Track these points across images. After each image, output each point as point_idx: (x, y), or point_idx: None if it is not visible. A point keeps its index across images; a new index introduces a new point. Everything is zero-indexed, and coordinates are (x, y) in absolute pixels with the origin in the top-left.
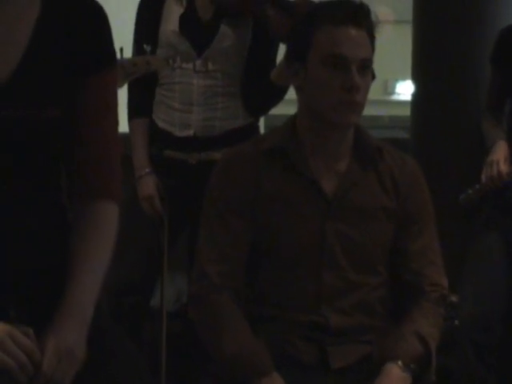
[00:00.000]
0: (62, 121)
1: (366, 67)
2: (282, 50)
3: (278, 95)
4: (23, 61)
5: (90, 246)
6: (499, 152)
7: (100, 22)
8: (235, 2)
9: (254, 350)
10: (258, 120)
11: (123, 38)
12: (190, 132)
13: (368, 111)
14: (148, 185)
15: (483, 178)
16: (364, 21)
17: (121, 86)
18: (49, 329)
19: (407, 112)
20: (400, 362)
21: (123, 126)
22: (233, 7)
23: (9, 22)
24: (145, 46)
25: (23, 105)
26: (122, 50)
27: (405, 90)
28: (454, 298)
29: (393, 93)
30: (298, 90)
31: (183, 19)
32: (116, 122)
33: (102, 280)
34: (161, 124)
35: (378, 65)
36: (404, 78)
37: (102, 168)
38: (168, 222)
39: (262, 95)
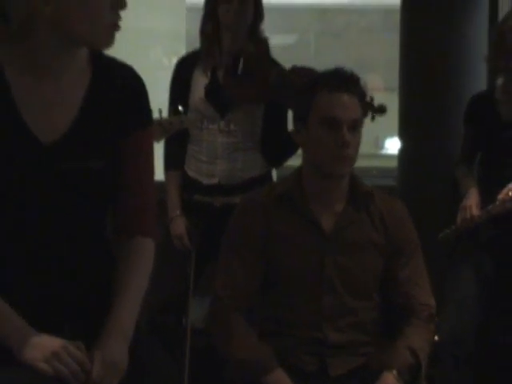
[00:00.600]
0: (107, 171)
1: (356, 126)
2: None
3: (293, 149)
4: (75, 122)
5: (130, 275)
6: (471, 198)
7: (139, 89)
8: (249, 94)
9: (259, 352)
10: (271, 170)
11: (161, 100)
12: (215, 180)
13: (362, 163)
14: (179, 225)
15: (458, 220)
16: (354, 88)
17: (158, 140)
18: (97, 343)
19: (395, 164)
20: (395, 372)
21: (159, 174)
22: (245, 99)
23: (64, 89)
24: (180, 107)
25: (75, 158)
26: (160, 110)
27: (392, 145)
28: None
29: (382, 147)
30: (302, 145)
31: (208, 88)
32: (152, 172)
33: (140, 303)
34: (191, 174)
35: (370, 124)
36: (392, 135)
37: (140, 210)
38: (195, 254)
39: (279, 149)
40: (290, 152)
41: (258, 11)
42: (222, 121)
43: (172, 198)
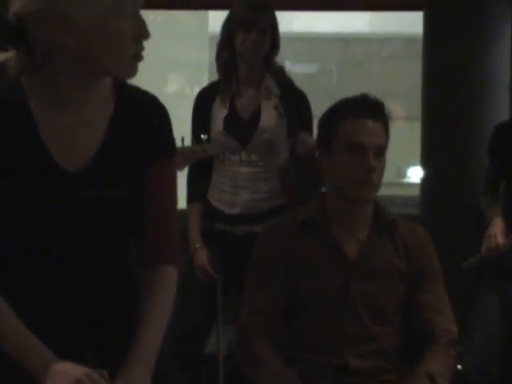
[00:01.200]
0: (130, 200)
1: (380, 152)
2: None
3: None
4: (99, 151)
5: (154, 304)
6: (496, 227)
7: (162, 118)
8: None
9: (285, 378)
10: None
11: (184, 128)
12: (237, 210)
13: (385, 191)
14: (201, 257)
15: (483, 248)
16: (379, 114)
17: (181, 169)
18: (120, 371)
19: (417, 192)
20: None
21: (182, 203)
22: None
23: (88, 118)
24: (202, 135)
25: (99, 187)
26: (183, 139)
27: (415, 174)
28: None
29: (405, 176)
30: (326, 171)
31: (227, 120)
32: (176, 201)
33: (163, 331)
34: (214, 203)
35: (392, 153)
36: (414, 164)
37: (164, 239)
38: (221, 283)
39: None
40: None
41: (275, 41)
42: (243, 151)
43: (193, 230)
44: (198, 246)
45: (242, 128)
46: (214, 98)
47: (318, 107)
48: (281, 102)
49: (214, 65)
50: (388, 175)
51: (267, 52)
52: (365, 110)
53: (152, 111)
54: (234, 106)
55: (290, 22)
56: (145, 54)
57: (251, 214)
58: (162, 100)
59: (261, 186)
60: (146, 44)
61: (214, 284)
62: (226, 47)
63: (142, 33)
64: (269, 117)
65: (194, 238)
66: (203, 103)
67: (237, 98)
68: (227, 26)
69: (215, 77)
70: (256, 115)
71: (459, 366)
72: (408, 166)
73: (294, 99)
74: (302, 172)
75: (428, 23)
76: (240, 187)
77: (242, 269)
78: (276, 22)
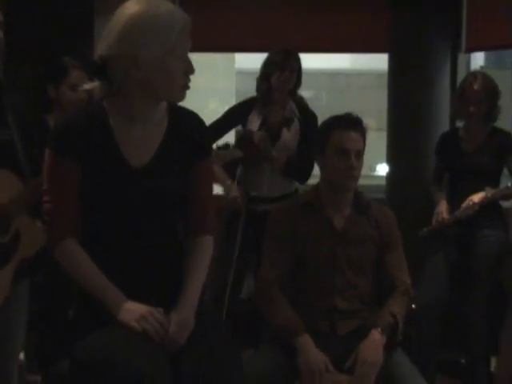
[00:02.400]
0: (178, 188)
1: (360, 155)
2: None
3: (310, 171)
4: (157, 153)
5: (196, 263)
6: (442, 206)
7: (201, 129)
8: None
9: (293, 320)
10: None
11: None
12: (261, 194)
13: (361, 182)
14: (234, 190)
15: (433, 222)
16: (359, 127)
17: (216, 166)
18: (173, 310)
19: (383, 182)
20: (379, 329)
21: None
22: None
23: (150, 130)
24: (229, 142)
25: (156, 178)
26: (227, 144)
27: (382, 169)
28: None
29: (375, 171)
30: (320, 168)
31: (260, 129)
32: (212, 189)
33: (203, 283)
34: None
35: (366, 154)
36: (382, 162)
37: (203, 216)
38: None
39: (305, 171)
40: (308, 173)
41: (299, 79)
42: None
43: (220, 173)
44: (229, 182)
45: (270, 135)
46: (250, 110)
47: None
48: (298, 121)
49: (240, 92)
50: (363, 170)
51: (293, 85)
52: (348, 124)
53: (194, 125)
54: (265, 121)
55: None
56: (190, 84)
57: (270, 198)
58: (202, 117)
59: (278, 179)
60: (191, 77)
61: (240, 214)
62: (265, 81)
63: (189, 69)
64: (288, 131)
65: (223, 178)
66: (242, 110)
67: (268, 115)
68: (266, 66)
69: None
70: (280, 129)
71: (413, 306)
72: (377, 164)
73: (307, 119)
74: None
75: (391, 62)
76: (264, 177)
77: (262, 237)
78: (300, 64)
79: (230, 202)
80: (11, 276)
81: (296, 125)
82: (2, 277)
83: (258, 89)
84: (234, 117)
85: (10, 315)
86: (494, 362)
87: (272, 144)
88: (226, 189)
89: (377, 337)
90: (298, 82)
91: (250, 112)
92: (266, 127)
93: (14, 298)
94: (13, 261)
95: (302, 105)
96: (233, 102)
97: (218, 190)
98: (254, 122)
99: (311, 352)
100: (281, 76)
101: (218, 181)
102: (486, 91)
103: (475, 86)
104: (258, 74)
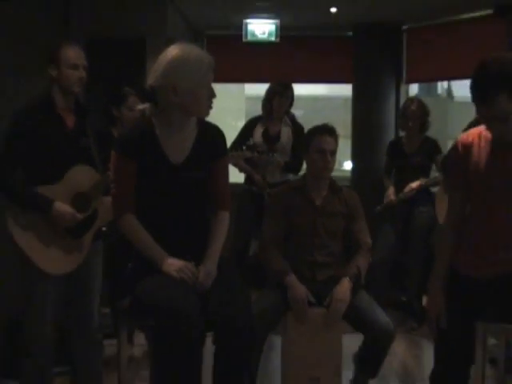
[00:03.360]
0: (205, 179)
1: (333, 153)
2: None
3: (300, 165)
4: (190, 153)
5: (217, 232)
6: (390, 191)
7: (221, 137)
8: None
9: (284, 266)
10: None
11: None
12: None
13: (333, 174)
14: (259, 178)
15: (384, 201)
16: (333, 133)
17: (231, 163)
18: (202, 263)
19: (349, 174)
20: (347, 278)
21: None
22: None
23: (185, 137)
24: (243, 147)
25: (189, 171)
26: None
27: (348, 165)
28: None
29: (342, 166)
30: (306, 163)
31: (263, 135)
32: (228, 178)
33: (222, 246)
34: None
35: (337, 153)
36: (347, 159)
37: (222, 197)
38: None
39: (297, 165)
40: (300, 167)
41: (292, 102)
42: (270, 152)
43: (248, 167)
44: (258, 176)
45: (271, 140)
46: (256, 124)
47: None
48: (291, 130)
49: (248, 111)
50: (335, 165)
51: (288, 106)
52: (325, 130)
53: (216, 134)
54: (267, 130)
55: None
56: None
57: (272, 183)
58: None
59: (278, 171)
60: (213, 100)
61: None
62: (268, 103)
63: (212, 94)
64: (284, 136)
65: (250, 170)
66: (250, 126)
67: (269, 126)
68: (270, 93)
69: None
70: (278, 135)
71: (370, 260)
72: (344, 161)
73: (297, 129)
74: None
75: (354, 90)
76: (268, 170)
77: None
78: (293, 93)
79: (259, 186)
80: (92, 237)
81: (289, 132)
82: (87, 237)
83: (263, 108)
84: (246, 130)
85: (90, 263)
86: (425, 299)
87: (273, 145)
88: (256, 178)
89: (346, 283)
90: (290, 105)
91: (255, 126)
92: (267, 135)
93: (92, 252)
94: (93, 227)
95: (293, 119)
96: (243, 119)
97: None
98: (258, 132)
99: (296, 286)
100: (280, 101)
101: (246, 172)
102: (420, 111)
103: (412, 107)
104: (262, 98)
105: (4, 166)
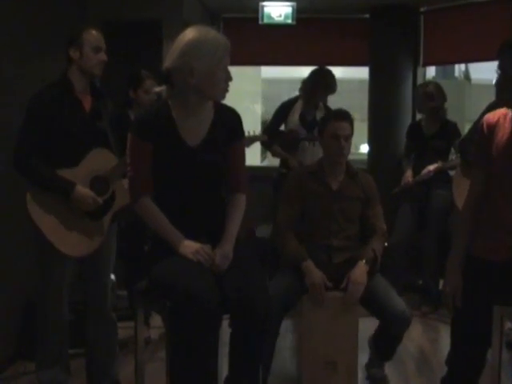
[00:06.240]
0: (221, 161)
1: (348, 138)
2: None
3: None
4: (206, 136)
5: (234, 213)
6: (408, 173)
7: (237, 119)
8: None
9: (300, 250)
10: None
11: (247, 125)
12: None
13: (350, 157)
14: (293, 161)
15: (402, 183)
16: (348, 118)
17: (248, 146)
18: (218, 246)
19: (365, 157)
20: (364, 261)
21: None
22: None
23: (201, 119)
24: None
25: (206, 154)
26: (253, 131)
27: (364, 148)
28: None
29: (359, 149)
30: (322, 147)
31: (300, 117)
32: (244, 161)
33: (238, 228)
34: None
35: (354, 137)
36: (364, 143)
37: (238, 179)
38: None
39: None
40: None
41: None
42: (307, 134)
43: (282, 152)
44: (293, 160)
45: (309, 125)
46: (291, 108)
47: None
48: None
49: (265, 95)
50: (352, 149)
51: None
52: (340, 116)
53: (232, 116)
54: (303, 115)
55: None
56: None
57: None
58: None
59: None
60: (230, 83)
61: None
62: (312, 89)
63: (229, 77)
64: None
65: (285, 154)
66: (285, 110)
67: (306, 113)
68: (315, 83)
69: (265, 102)
70: (314, 119)
71: (386, 243)
72: (361, 144)
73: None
74: None
75: (371, 73)
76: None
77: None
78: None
79: (293, 167)
80: (110, 219)
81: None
82: (106, 219)
83: (305, 92)
84: (281, 115)
85: (106, 244)
86: (441, 283)
87: (312, 129)
88: (291, 160)
89: (362, 266)
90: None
91: (290, 110)
92: (304, 120)
93: (109, 234)
94: (111, 210)
95: (325, 104)
96: (259, 102)
97: (251, 162)
98: (295, 117)
99: (314, 271)
100: (324, 93)
101: (281, 156)
102: (437, 91)
103: (429, 88)
104: (302, 80)
105: (25, 148)
